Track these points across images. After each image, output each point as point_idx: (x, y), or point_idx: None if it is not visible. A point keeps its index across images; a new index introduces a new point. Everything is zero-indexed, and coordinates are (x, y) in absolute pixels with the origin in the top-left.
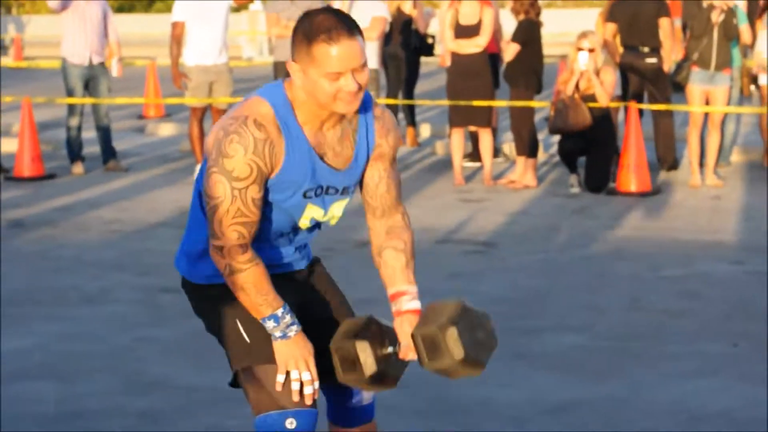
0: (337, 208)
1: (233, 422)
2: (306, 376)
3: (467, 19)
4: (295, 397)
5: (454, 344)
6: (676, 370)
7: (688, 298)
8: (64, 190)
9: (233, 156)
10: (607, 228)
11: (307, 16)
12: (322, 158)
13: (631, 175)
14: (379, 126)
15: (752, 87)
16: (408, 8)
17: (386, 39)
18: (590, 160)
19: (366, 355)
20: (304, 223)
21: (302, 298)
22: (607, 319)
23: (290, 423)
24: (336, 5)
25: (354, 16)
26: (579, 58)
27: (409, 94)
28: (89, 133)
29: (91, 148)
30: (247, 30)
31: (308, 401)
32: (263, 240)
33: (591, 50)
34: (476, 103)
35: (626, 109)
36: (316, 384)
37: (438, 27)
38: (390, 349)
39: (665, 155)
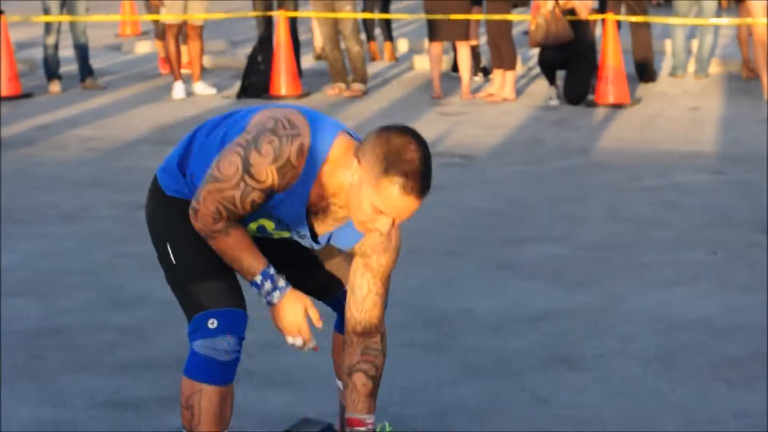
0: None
1: None
2: (298, 342)
3: None
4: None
5: None
6: (656, 278)
7: (667, 207)
8: (41, 108)
9: (263, 156)
10: (586, 139)
11: (399, 135)
12: (308, 215)
13: (610, 87)
14: (381, 239)
15: None
16: None
17: None
18: (570, 72)
19: None
20: (251, 226)
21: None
22: (586, 230)
23: (212, 323)
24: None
25: None
26: None
27: (385, 9)
28: (66, 52)
29: (68, 66)
30: None
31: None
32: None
33: None
34: (453, 16)
35: (604, 21)
36: (312, 344)
37: None
38: None
39: (643, 67)
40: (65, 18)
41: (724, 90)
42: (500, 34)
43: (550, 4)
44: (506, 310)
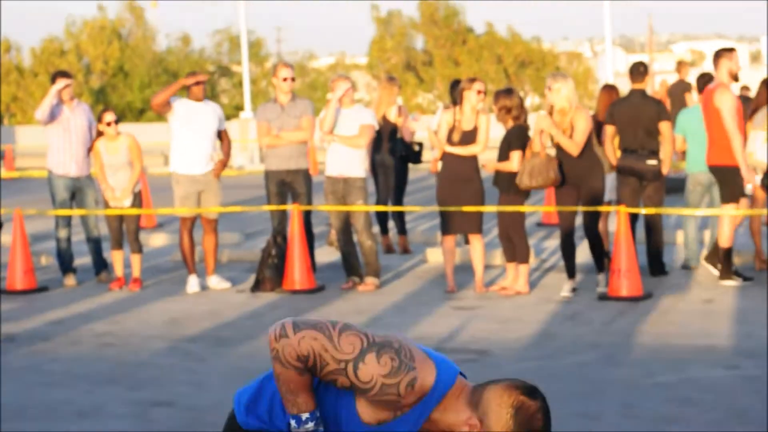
0: None
1: None
2: None
3: (465, 125)
4: None
5: None
6: None
7: (682, 404)
8: (56, 303)
9: (379, 365)
10: (599, 334)
11: (527, 401)
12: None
13: (623, 280)
14: None
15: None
16: (393, 116)
17: (376, 146)
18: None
19: None
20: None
21: None
22: (601, 427)
23: None
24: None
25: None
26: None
27: (398, 202)
28: (82, 245)
29: (84, 258)
30: (238, 138)
31: None
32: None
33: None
34: (466, 209)
35: (617, 213)
36: None
37: (426, 132)
38: None
39: (654, 260)
40: (77, 212)
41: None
42: (513, 227)
43: (536, 147)
44: None
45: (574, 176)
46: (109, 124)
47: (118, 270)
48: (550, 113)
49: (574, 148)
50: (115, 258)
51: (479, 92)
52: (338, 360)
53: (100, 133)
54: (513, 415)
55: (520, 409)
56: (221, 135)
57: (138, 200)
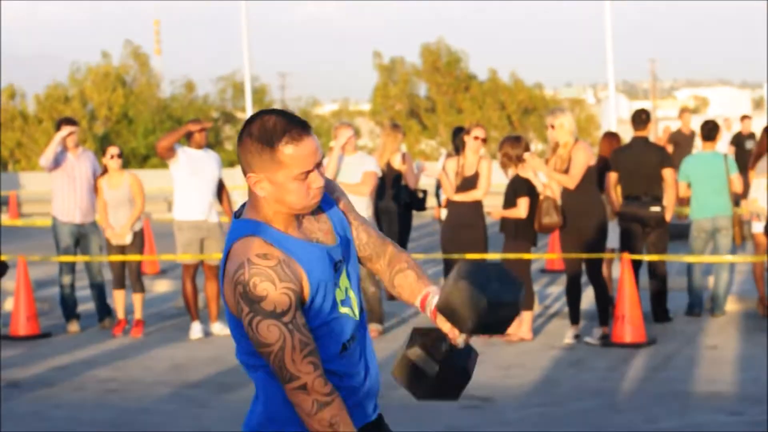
0: (352, 276)
1: None
2: None
3: (467, 170)
4: None
5: (470, 296)
6: None
7: None
8: (59, 349)
9: (267, 295)
10: (603, 380)
11: (254, 121)
12: (318, 242)
13: (626, 327)
14: (330, 190)
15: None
16: (397, 163)
17: (380, 193)
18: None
19: (421, 358)
20: (339, 294)
21: None
22: None
23: None
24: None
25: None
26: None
27: (402, 248)
28: (85, 291)
29: (87, 304)
30: (242, 184)
31: None
32: (336, 364)
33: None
34: (470, 255)
35: (621, 259)
36: None
37: (429, 180)
38: (443, 346)
39: (658, 307)
40: (81, 258)
41: (741, 328)
42: (518, 273)
43: (548, 191)
44: None
45: (573, 213)
46: (112, 157)
47: (120, 310)
48: (555, 149)
49: (569, 181)
50: (117, 298)
51: (476, 138)
52: (289, 333)
53: (104, 171)
54: (249, 142)
55: (248, 134)
56: (219, 183)
57: (140, 239)
